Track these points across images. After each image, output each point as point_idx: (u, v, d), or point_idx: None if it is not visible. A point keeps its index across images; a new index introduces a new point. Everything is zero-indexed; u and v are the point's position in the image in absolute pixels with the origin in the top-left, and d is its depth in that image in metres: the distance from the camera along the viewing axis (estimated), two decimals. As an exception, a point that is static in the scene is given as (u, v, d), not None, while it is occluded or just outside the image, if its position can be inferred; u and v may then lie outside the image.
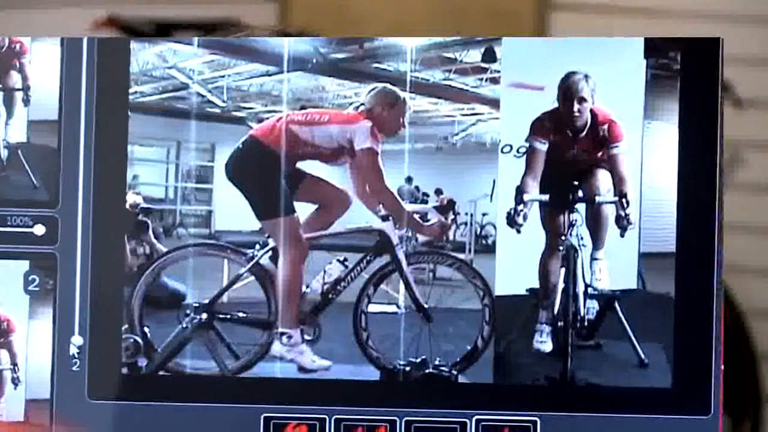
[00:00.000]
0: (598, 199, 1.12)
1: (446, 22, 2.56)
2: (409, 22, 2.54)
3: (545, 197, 1.11)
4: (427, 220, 1.13)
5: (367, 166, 1.12)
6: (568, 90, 1.10)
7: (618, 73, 1.09)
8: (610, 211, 1.11)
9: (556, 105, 1.10)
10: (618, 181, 1.11)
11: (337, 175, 1.15)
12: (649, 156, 1.09)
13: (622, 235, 1.10)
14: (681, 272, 1.04)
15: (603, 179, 1.13)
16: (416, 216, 1.12)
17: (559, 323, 1.10)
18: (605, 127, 1.12)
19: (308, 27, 2.19)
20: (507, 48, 1.08)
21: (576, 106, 1.11)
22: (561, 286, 1.12)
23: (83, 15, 2.22)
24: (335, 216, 1.14)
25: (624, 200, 1.09)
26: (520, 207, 1.09)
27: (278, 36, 1.26)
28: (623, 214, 1.09)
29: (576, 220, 1.12)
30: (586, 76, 1.09)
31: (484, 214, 1.12)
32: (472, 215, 1.12)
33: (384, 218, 1.13)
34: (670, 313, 1.05)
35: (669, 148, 1.07)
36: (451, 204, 1.12)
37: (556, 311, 1.11)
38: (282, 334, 1.11)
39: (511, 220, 1.10)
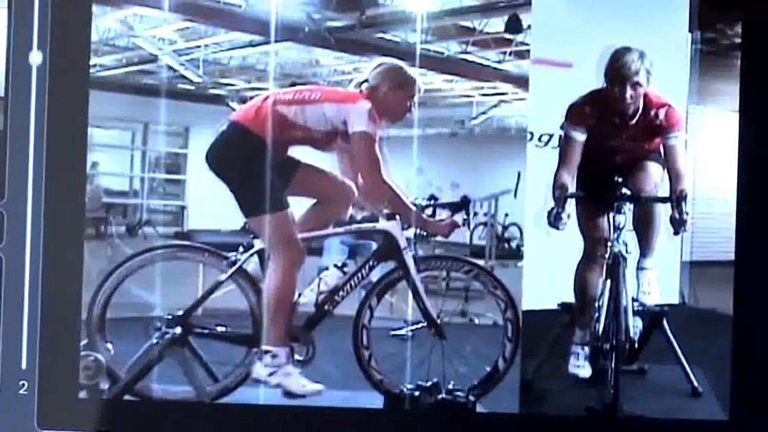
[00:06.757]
0: (649, 197, 0.97)
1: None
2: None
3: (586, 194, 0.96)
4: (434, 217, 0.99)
5: (361, 152, 0.97)
6: (619, 72, 0.94)
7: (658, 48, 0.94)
8: (663, 212, 0.96)
9: (597, 85, 0.94)
10: (675, 177, 0.95)
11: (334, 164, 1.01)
12: (692, 147, 0.95)
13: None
14: (741, 286, 0.89)
15: (653, 174, 0.98)
16: (423, 214, 0.98)
17: (605, 345, 0.95)
18: (661, 112, 0.96)
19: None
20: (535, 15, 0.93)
21: (629, 92, 0.95)
22: (604, 301, 0.96)
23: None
24: (337, 213, 0.99)
25: (683, 199, 0.93)
26: (562, 206, 0.94)
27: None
28: (679, 216, 0.93)
29: (621, 223, 0.97)
30: (641, 55, 0.93)
31: (506, 214, 0.97)
32: (493, 214, 0.98)
33: (389, 217, 0.98)
34: (719, 333, 0.90)
35: (718, 136, 0.92)
36: (466, 202, 0.97)
37: (596, 330, 0.96)
38: (266, 352, 0.96)
39: (555, 219, 0.94)
